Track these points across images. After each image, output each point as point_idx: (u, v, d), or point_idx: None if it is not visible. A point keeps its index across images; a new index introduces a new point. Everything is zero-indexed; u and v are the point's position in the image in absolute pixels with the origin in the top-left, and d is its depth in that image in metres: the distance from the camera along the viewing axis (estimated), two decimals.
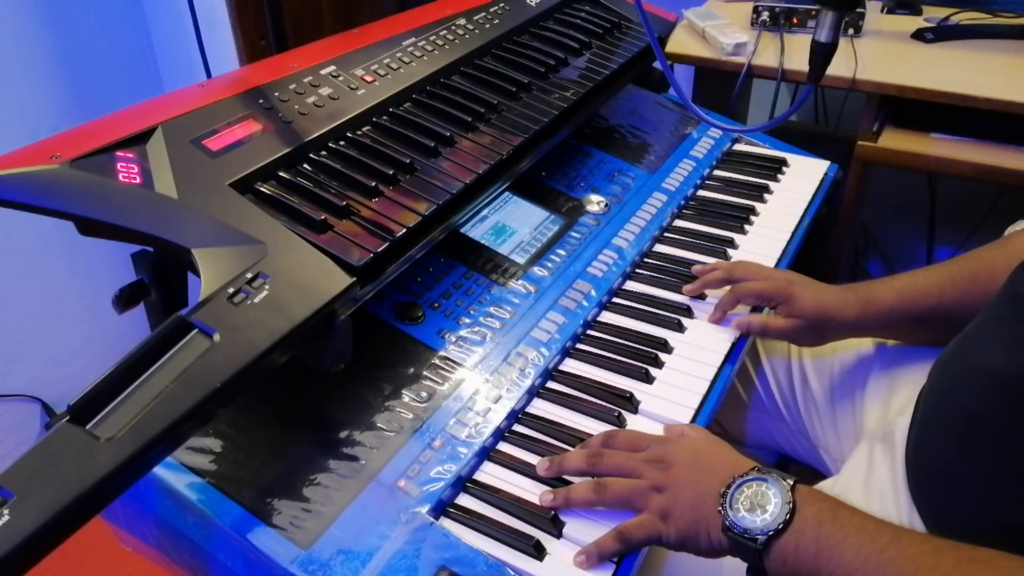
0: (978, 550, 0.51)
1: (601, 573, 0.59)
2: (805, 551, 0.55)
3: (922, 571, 0.51)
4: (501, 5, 1.08)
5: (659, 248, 0.97)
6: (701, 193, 1.08)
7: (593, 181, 1.03)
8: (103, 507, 0.48)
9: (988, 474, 0.60)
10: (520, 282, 0.85)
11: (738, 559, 0.59)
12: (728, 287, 0.86)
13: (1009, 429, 0.59)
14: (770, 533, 0.56)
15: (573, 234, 0.93)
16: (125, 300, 0.71)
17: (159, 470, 0.62)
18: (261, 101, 0.77)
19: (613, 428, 0.71)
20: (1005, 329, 0.62)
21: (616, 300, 0.88)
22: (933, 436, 0.68)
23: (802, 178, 1.12)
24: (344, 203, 0.71)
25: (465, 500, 0.65)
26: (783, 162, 1.15)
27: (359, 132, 0.80)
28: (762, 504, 0.57)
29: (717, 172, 1.14)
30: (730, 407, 1.00)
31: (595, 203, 0.99)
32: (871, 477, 0.74)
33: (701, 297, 0.88)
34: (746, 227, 1.01)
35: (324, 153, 0.77)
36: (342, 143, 0.78)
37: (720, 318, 0.85)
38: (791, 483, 0.57)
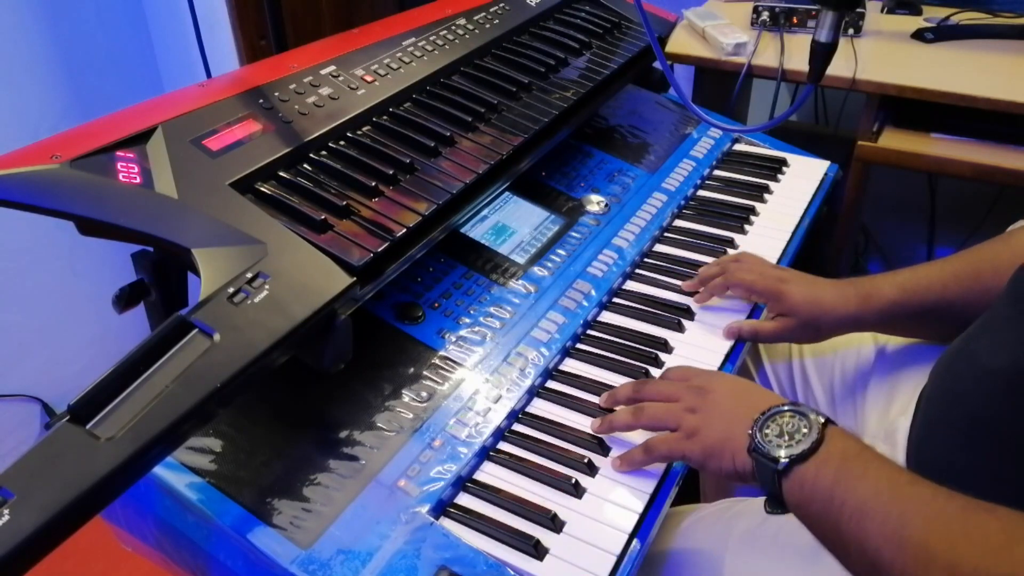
0: (987, 503, 0.52)
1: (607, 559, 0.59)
2: (823, 479, 0.56)
3: (929, 510, 0.52)
4: (501, 5, 1.08)
5: (659, 248, 0.97)
6: (701, 193, 1.08)
7: (593, 181, 1.03)
8: (103, 507, 0.48)
9: (995, 475, 0.60)
10: (520, 282, 0.85)
11: (738, 560, 0.59)
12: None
13: (1016, 430, 0.59)
14: (793, 458, 0.57)
15: (573, 234, 0.93)
16: (125, 300, 0.71)
17: (159, 470, 0.62)
18: (261, 101, 0.77)
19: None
20: (1011, 330, 0.62)
21: (616, 300, 0.88)
22: (938, 438, 0.68)
23: (802, 178, 1.12)
24: (344, 203, 0.71)
25: (465, 500, 0.65)
26: (783, 162, 1.15)
27: (359, 132, 0.80)
28: (791, 433, 0.59)
29: (717, 172, 1.14)
30: None
31: (595, 203, 0.99)
32: None
33: None
34: (746, 227, 1.01)
35: (324, 153, 0.76)
36: (342, 143, 0.78)
37: (705, 299, 0.87)
38: (823, 420, 0.59)
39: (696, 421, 0.65)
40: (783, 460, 0.57)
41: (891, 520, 0.52)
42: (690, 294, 0.89)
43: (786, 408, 0.61)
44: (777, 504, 0.59)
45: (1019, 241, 0.77)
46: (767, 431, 0.60)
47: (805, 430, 0.59)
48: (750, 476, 0.61)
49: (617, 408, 0.72)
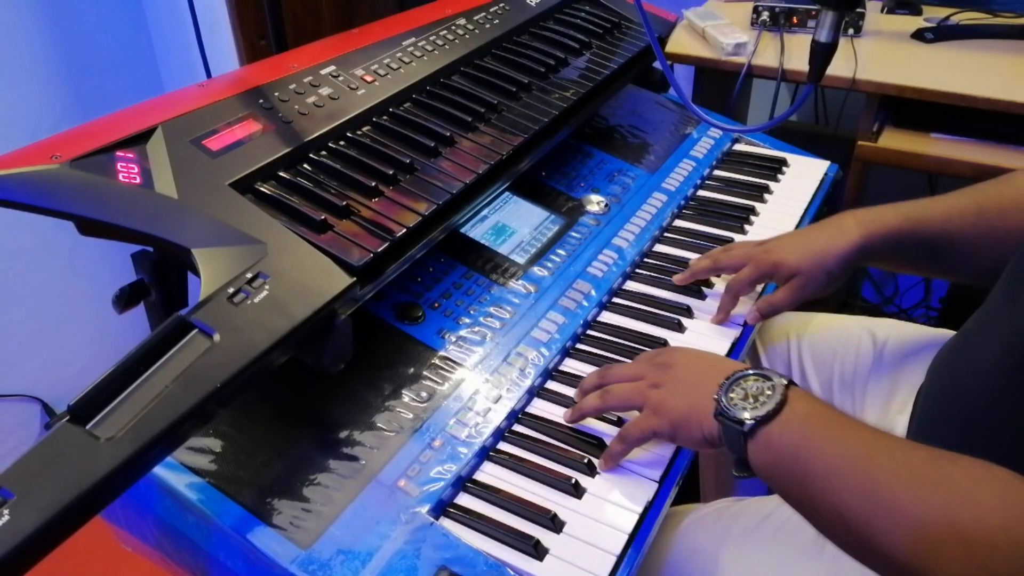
0: (950, 452, 0.52)
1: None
2: (788, 438, 0.57)
3: (894, 463, 0.52)
4: (501, 5, 1.08)
5: (659, 248, 0.97)
6: (701, 193, 1.08)
7: (593, 181, 1.03)
8: (103, 507, 0.48)
9: None
10: (520, 282, 0.85)
11: (738, 560, 0.59)
12: (720, 275, 0.89)
13: (1012, 428, 0.59)
14: (758, 419, 0.57)
15: (573, 234, 0.93)
16: (125, 300, 0.71)
17: (159, 470, 0.62)
18: (261, 101, 0.77)
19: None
20: (1004, 317, 0.62)
21: (616, 300, 0.88)
22: (936, 435, 0.68)
23: (802, 178, 1.12)
24: (344, 203, 0.71)
25: (465, 500, 0.65)
26: (783, 162, 1.15)
27: (359, 132, 0.80)
28: (755, 396, 0.59)
29: (717, 172, 1.14)
30: None
31: (595, 203, 0.99)
32: None
33: (700, 297, 0.88)
34: (746, 227, 1.01)
35: (324, 153, 0.77)
36: (342, 143, 0.78)
37: (724, 319, 0.86)
38: (786, 382, 0.59)
39: (660, 395, 0.66)
40: (748, 422, 0.58)
41: (857, 474, 0.52)
42: (685, 289, 0.89)
43: (750, 372, 0.61)
44: (744, 468, 0.60)
45: (1021, 182, 0.76)
46: (732, 395, 0.60)
47: (769, 392, 0.59)
48: (718, 441, 0.62)
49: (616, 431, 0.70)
